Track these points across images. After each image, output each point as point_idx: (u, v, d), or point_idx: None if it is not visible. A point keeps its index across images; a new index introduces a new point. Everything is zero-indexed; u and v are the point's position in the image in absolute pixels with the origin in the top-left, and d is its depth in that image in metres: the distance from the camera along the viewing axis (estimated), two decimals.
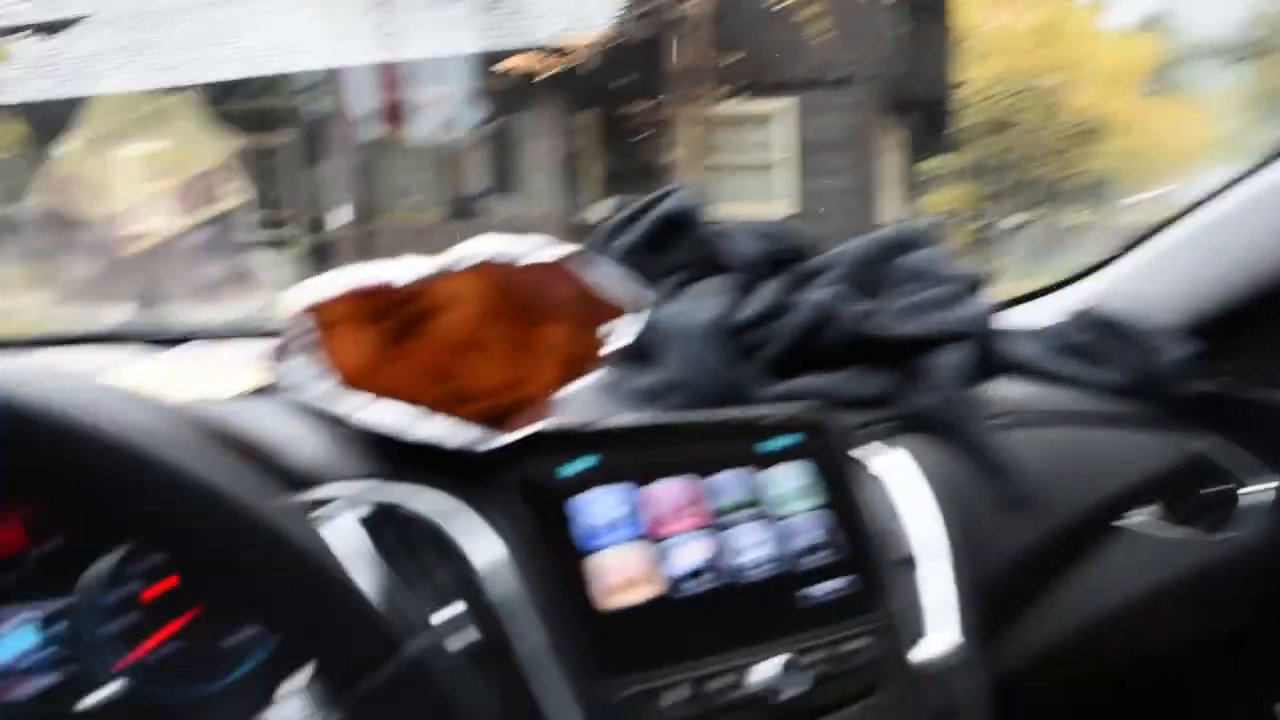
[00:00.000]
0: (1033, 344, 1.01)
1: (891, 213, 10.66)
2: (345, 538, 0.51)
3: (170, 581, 0.55)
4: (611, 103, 8.34)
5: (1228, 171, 1.07)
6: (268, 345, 0.60)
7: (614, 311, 0.63)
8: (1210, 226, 1.06)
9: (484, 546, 0.57)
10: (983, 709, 0.69)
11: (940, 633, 0.70)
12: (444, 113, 7.58)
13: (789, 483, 0.68)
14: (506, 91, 7.61)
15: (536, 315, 0.67)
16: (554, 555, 0.57)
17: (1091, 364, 0.99)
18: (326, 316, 0.62)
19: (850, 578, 0.67)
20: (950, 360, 0.85)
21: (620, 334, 0.63)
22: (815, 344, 0.83)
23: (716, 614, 0.61)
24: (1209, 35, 19.29)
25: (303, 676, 0.49)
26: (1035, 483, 0.83)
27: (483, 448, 0.57)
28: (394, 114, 7.69)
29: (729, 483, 0.66)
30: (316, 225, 9.19)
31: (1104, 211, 16.71)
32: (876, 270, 0.94)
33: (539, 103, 7.86)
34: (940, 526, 0.74)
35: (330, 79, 7.92)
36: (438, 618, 0.38)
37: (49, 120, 8.51)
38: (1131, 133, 15.53)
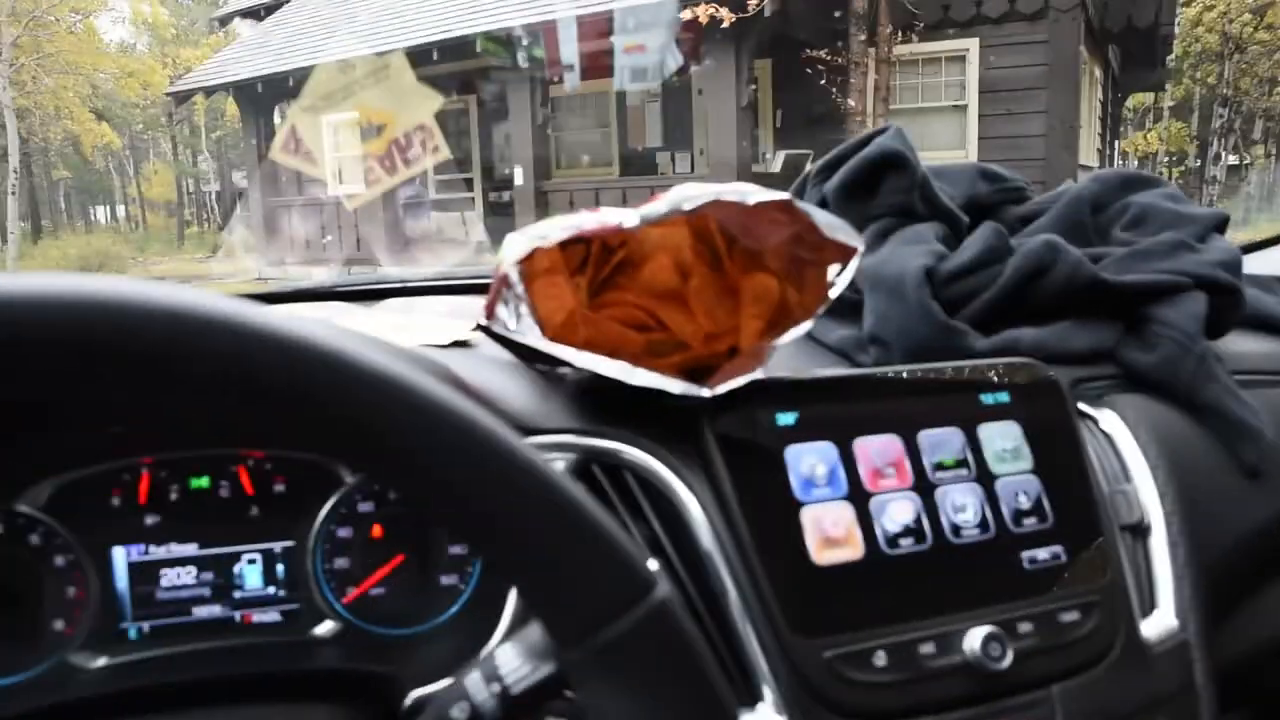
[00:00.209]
0: (1274, 296, 0.90)
1: (1092, 155, 9.86)
2: None
3: (382, 528, 0.58)
4: (792, 49, 8.11)
5: None
6: (475, 298, 0.61)
7: (828, 258, 0.61)
8: None
9: (695, 497, 0.57)
10: (1206, 696, 0.64)
11: (1163, 610, 0.65)
12: (641, 62, 7.56)
13: (1002, 442, 0.65)
14: (690, 41, 7.54)
15: (744, 264, 0.66)
16: (767, 508, 0.57)
17: None
18: (532, 268, 0.63)
19: (1066, 545, 0.63)
20: (1183, 311, 0.77)
21: (835, 282, 0.61)
22: (1031, 293, 0.77)
23: (926, 576, 0.59)
24: None
25: (521, 623, 0.51)
26: (1275, 450, 0.75)
27: (691, 398, 0.57)
28: (591, 66, 7.76)
29: (938, 440, 0.63)
30: (505, 183, 9.52)
31: None
32: (1100, 213, 0.87)
33: (720, 51, 7.73)
34: (1166, 495, 0.69)
35: (527, 34, 8.10)
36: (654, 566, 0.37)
37: (264, 97, 9.28)
38: None
